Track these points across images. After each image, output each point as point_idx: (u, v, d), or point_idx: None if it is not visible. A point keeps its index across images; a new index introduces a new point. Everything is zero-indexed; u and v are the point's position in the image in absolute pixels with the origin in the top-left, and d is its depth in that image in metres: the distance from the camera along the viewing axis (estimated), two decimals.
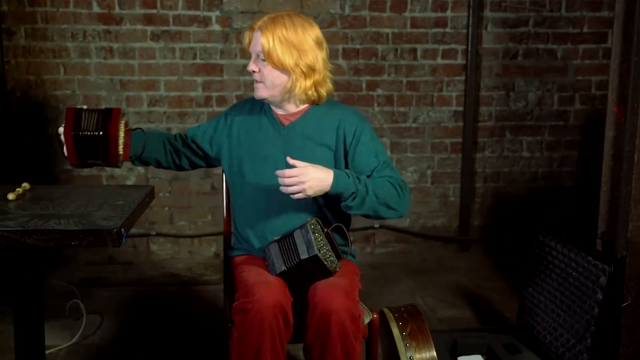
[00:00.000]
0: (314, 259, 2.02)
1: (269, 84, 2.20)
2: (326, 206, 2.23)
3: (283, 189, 2.04)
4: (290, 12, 2.21)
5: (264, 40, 2.14)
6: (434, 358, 2.23)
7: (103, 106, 4.00)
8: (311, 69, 2.17)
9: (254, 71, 2.20)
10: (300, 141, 2.23)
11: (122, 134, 2.11)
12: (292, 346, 2.59)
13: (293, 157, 2.10)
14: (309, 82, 2.19)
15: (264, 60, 2.17)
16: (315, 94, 2.21)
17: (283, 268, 2.05)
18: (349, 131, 2.23)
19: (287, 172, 2.02)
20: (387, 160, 2.23)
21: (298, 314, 2.03)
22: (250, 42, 2.23)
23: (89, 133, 2.06)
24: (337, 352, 1.96)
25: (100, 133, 2.06)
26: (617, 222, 2.58)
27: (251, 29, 2.22)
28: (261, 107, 2.31)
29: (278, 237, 2.11)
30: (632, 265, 2.49)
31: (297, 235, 2.04)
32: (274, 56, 2.15)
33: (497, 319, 3.37)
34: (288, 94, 2.21)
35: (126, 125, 2.16)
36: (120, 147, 2.12)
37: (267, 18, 2.18)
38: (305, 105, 2.27)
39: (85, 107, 2.11)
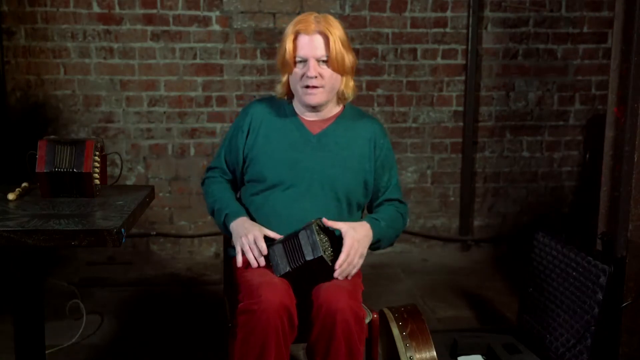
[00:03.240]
0: (319, 260, 2.01)
1: (329, 88, 2.16)
2: (347, 212, 2.23)
3: (344, 274, 2.06)
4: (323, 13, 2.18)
5: (331, 43, 2.09)
6: (434, 358, 2.23)
7: (103, 106, 4.05)
8: (353, 68, 2.19)
9: (314, 77, 2.12)
10: (331, 150, 2.21)
11: (96, 165, 2.10)
12: (293, 346, 2.59)
13: (324, 166, 2.15)
14: (352, 81, 2.21)
15: (324, 62, 2.12)
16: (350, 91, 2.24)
17: (288, 269, 2.05)
18: (379, 145, 2.25)
19: (348, 260, 2.04)
20: (397, 179, 2.32)
21: (301, 314, 2.03)
22: (297, 47, 2.12)
23: (62, 170, 2.05)
24: (341, 352, 1.95)
25: (74, 170, 2.05)
26: (617, 222, 2.58)
27: (303, 32, 2.11)
28: (278, 109, 2.26)
29: (282, 238, 2.10)
30: (632, 265, 2.48)
31: (302, 236, 2.03)
32: (340, 59, 2.12)
33: (497, 319, 3.37)
34: (336, 95, 2.21)
35: (102, 150, 2.15)
36: (97, 181, 2.11)
37: (316, 20, 2.11)
38: (336, 112, 2.26)
39: (57, 138, 2.08)
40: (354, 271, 2.09)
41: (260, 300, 1.93)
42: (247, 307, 1.96)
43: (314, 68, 2.11)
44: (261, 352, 1.93)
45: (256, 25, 4.05)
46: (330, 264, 2.03)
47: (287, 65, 2.15)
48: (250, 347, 1.94)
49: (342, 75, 2.17)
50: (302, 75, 2.13)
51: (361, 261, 2.09)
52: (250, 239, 2.08)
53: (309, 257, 2.01)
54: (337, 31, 2.11)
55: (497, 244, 4.37)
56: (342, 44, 2.12)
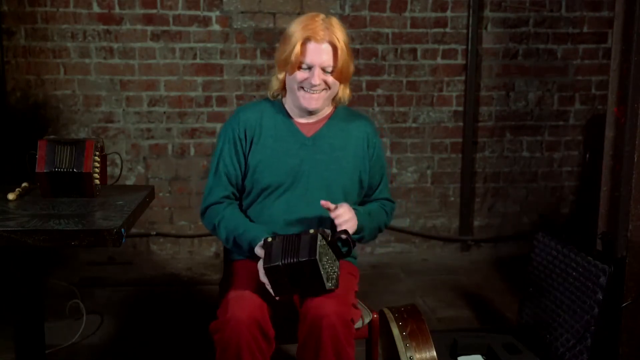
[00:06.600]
0: (312, 265, 1.92)
1: (329, 94, 2.16)
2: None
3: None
4: (330, 15, 2.16)
5: (339, 54, 2.08)
6: (434, 358, 2.23)
7: (103, 106, 4.05)
8: (351, 75, 2.19)
9: (318, 84, 2.11)
10: (326, 152, 2.20)
11: (96, 165, 2.09)
12: (289, 346, 2.59)
13: (320, 169, 2.15)
14: (348, 88, 2.21)
15: (329, 72, 2.11)
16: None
17: (278, 263, 1.93)
18: (372, 143, 2.27)
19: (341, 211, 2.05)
20: (386, 178, 2.33)
21: (292, 317, 2.03)
22: (304, 52, 2.09)
23: (62, 170, 2.05)
24: (329, 357, 1.93)
25: (74, 170, 2.05)
26: (617, 222, 2.58)
27: (312, 39, 2.08)
28: (269, 113, 2.23)
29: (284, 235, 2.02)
30: (632, 265, 2.48)
31: (304, 238, 1.96)
32: (345, 70, 2.12)
33: (497, 319, 3.37)
34: (332, 101, 2.22)
35: (102, 150, 2.15)
36: (97, 181, 2.11)
37: (325, 26, 2.08)
38: (328, 112, 2.26)
39: (57, 138, 2.08)
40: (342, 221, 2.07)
41: (227, 318, 1.93)
42: (218, 326, 1.97)
43: (318, 76, 2.10)
44: None
45: (256, 25, 4.05)
46: (323, 274, 1.93)
47: (290, 66, 2.12)
48: None
49: (342, 83, 2.17)
50: (304, 80, 2.12)
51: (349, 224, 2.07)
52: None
53: (303, 258, 1.91)
54: (343, 38, 2.10)
55: (497, 244, 4.37)
56: (347, 53, 2.12)
